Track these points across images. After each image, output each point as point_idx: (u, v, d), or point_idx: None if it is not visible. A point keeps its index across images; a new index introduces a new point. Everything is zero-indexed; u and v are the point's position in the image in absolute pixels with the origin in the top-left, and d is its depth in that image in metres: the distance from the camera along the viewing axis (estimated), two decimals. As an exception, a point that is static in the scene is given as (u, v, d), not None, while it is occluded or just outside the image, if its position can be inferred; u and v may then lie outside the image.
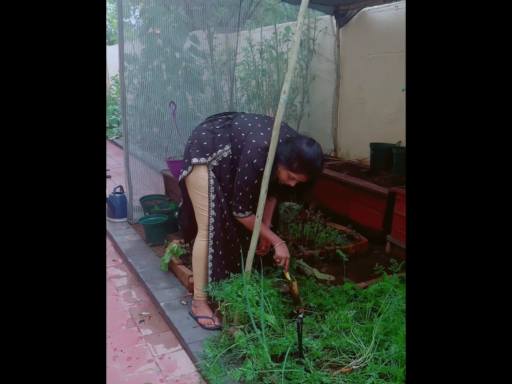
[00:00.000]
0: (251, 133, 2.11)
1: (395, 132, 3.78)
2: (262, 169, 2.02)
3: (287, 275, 2.24)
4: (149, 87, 4.04)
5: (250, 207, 2.16)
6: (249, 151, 2.06)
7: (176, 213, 3.50)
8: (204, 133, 2.26)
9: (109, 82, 12.16)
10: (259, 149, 2.04)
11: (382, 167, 3.64)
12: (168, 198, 4.05)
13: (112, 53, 12.04)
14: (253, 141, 2.07)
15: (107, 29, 18.32)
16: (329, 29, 4.41)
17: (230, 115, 2.30)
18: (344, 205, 3.63)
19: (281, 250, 2.21)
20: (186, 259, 3.01)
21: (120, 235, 3.66)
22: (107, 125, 8.94)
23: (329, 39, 4.44)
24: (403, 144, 3.60)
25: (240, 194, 2.10)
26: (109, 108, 9.64)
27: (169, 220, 3.50)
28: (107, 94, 11.67)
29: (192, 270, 2.78)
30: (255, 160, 2.03)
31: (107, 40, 17.46)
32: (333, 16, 4.32)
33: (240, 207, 2.15)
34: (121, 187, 4.00)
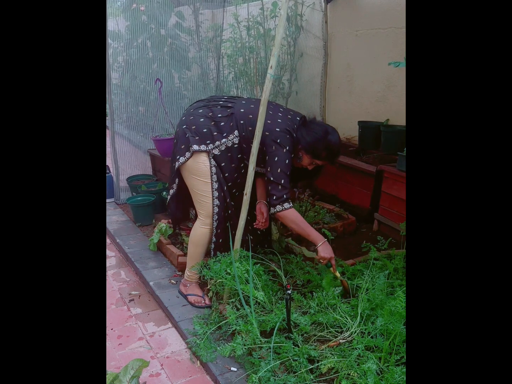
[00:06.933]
0: (269, 121, 2.06)
1: (383, 110, 3.77)
2: (288, 147, 2.07)
3: (337, 274, 2.18)
4: (134, 65, 3.95)
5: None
6: (267, 133, 2.04)
7: (164, 193, 3.48)
8: (202, 120, 2.16)
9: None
10: (277, 129, 2.06)
11: (371, 146, 3.64)
12: (155, 178, 4.02)
13: (95, 30, 11.72)
14: (270, 124, 2.07)
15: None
16: (316, 5, 4.33)
17: (229, 103, 2.21)
18: (332, 184, 3.65)
19: (324, 250, 2.11)
20: (175, 238, 3.01)
21: (107, 215, 3.63)
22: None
23: (316, 15, 4.36)
24: (391, 122, 3.60)
25: (283, 181, 2.05)
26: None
27: (157, 200, 3.48)
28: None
29: (180, 251, 2.80)
30: (279, 140, 2.05)
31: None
32: (321, -9, 4.24)
33: (284, 196, 2.07)
34: (107, 167, 3.95)
